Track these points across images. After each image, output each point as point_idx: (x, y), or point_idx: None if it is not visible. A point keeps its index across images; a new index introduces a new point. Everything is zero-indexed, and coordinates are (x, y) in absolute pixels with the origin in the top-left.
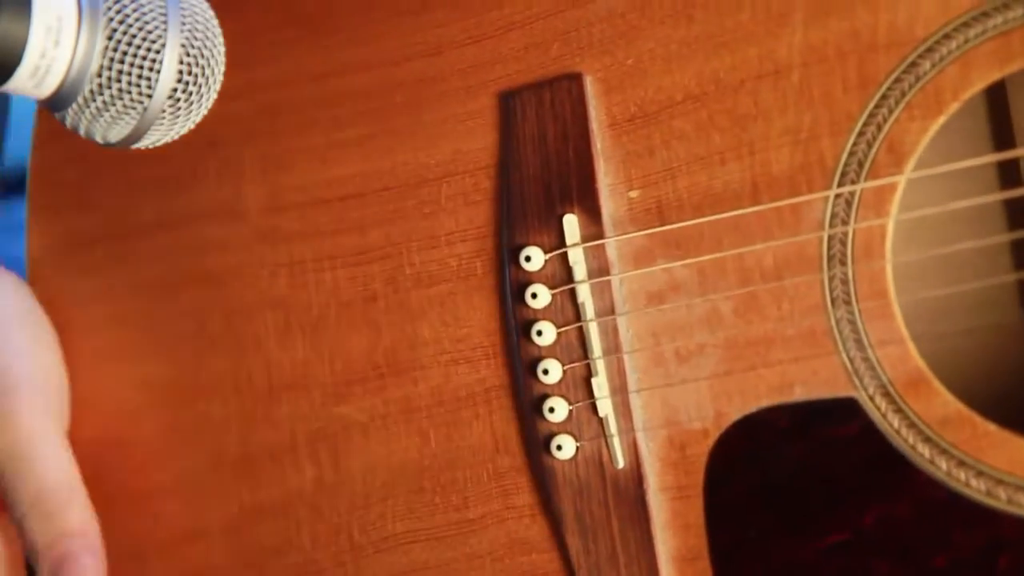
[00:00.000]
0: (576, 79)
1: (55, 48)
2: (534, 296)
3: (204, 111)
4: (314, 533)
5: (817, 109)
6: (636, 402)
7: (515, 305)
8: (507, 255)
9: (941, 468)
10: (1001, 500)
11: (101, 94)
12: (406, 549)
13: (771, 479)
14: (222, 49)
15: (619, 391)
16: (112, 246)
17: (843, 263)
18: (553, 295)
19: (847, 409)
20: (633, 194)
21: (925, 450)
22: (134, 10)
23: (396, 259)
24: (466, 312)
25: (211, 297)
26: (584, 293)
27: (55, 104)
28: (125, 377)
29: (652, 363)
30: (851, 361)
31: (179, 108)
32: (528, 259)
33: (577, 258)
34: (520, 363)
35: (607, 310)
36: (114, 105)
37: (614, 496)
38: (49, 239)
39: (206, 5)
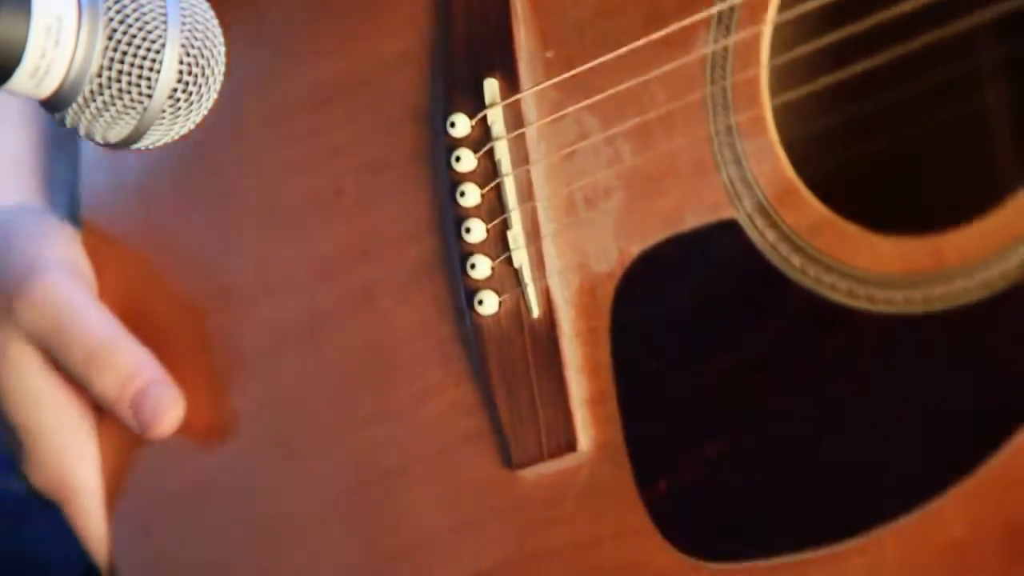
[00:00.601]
0: None
1: (55, 48)
2: (458, 159)
3: (204, 111)
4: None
5: None
6: (549, 250)
7: (445, 171)
8: (439, 125)
9: (810, 275)
10: (860, 298)
11: (101, 94)
12: (367, 430)
13: (668, 312)
14: (222, 49)
15: (532, 240)
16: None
17: (723, 77)
18: (477, 158)
19: (729, 231)
20: (549, 54)
21: (796, 260)
22: (134, 10)
23: (330, 160)
24: (415, 192)
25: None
26: (501, 150)
27: (55, 104)
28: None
29: (564, 211)
30: (731, 182)
31: (179, 108)
32: (452, 125)
33: (496, 118)
34: (449, 228)
35: (522, 162)
36: (114, 105)
37: (532, 346)
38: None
39: (206, 5)
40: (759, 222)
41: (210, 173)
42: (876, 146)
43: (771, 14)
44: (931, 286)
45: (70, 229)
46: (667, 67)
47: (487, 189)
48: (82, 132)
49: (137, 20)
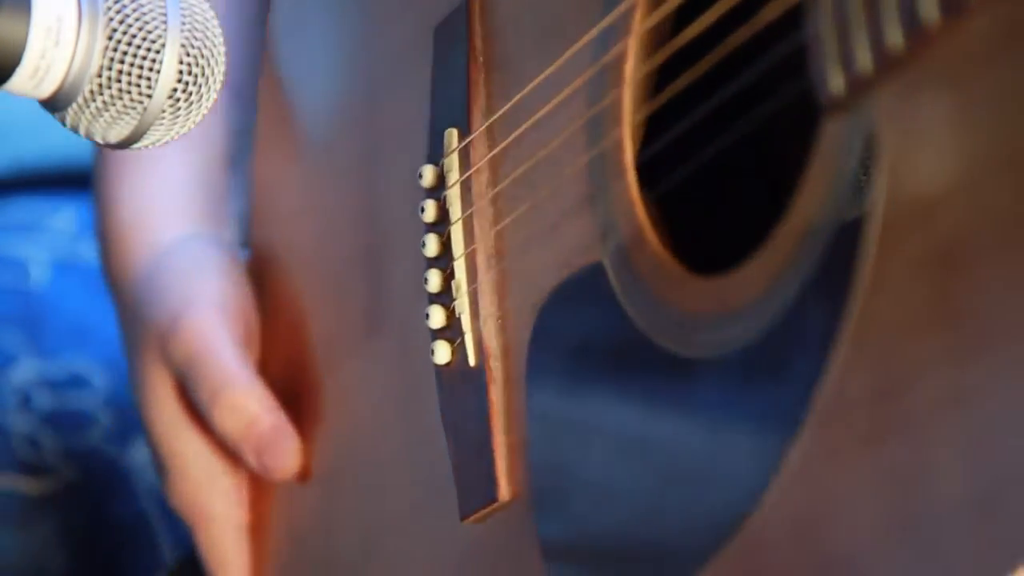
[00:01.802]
0: None
1: (55, 48)
2: (422, 210)
3: (204, 111)
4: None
5: None
6: (484, 297)
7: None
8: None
9: (647, 320)
10: (687, 345)
11: (101, 94)
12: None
13: (561, 363)
14: (222, 49)
15: (470, 287)
16: None
17: (599, 99)
18: (437, 207)
19: (598, 275)
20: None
21: (640, 303)
22: (134, 10)
23: None
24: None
25: None
26: (452, 197)
27: (54, 104)
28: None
29: (495, 257)
30: (601, 223)
31: (179, 108)
32: (420, 176)
33: (452, 166)
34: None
35: (467, 208)
36: (114, 105)
37: (473, 394)
38: None
39: (206, 5)
40: (618, 265)
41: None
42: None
43: (637, 27)
44: (718, 329)
45: (229, 258)
46: (550, 104)
47: (445, 239)
48: (82, 132)
49: (137, 20)
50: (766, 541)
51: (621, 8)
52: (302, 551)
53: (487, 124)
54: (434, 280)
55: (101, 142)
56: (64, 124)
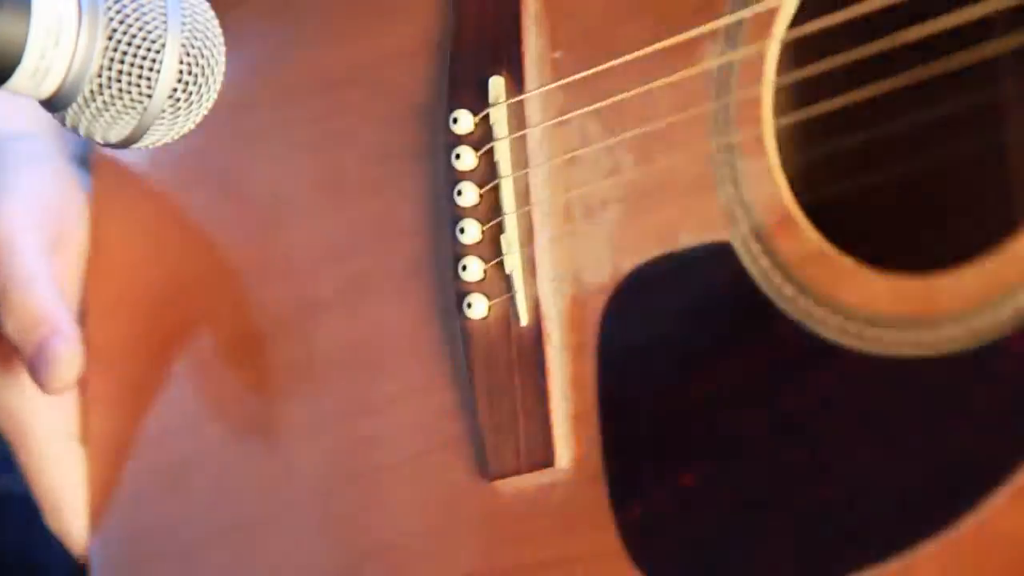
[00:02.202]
0: None
1: (55, 48)
2: (458, 157)
3: (205, 111)
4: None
5: None
6: (542, 258)
7: (445, 167)
8: (441, 120)
9: (800, 307)
10: (850, 335)
11: (101, 94)
12: (348, 426)
13: (654, 333)
14: (222, 49)
15: (526, 246)
16: None
17: (727, 93)
18: (478, 157)
19: (722, 254)
20: (557, 55)
21: (788, 290)
22: (134, 10)
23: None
24: (414, 186)
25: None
26: (502, 151)
27: (55, 104)
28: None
29: (560, 218)
30: (728, 203)
31: (179, 108)
32: (455, 121)
33: (499, 117)
34: (445, 226)
35: (521, 165)
36: (114, 105)
37: (518, 355)
38: None
39: (207, 5)
40: (753, 247)
41: (218, 149)
42: (883, 175)
43: (779, 30)
44: (920, 330)
45: (62, 166)
46: (671, 78)
47: (485, 190)
48: (82, 132)
49: (137, 20)
50: (983, 543)
51: (758, 7)
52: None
53: (561, 82)
54: (472, 231)
55: (101, 142)
56: (64, 124)
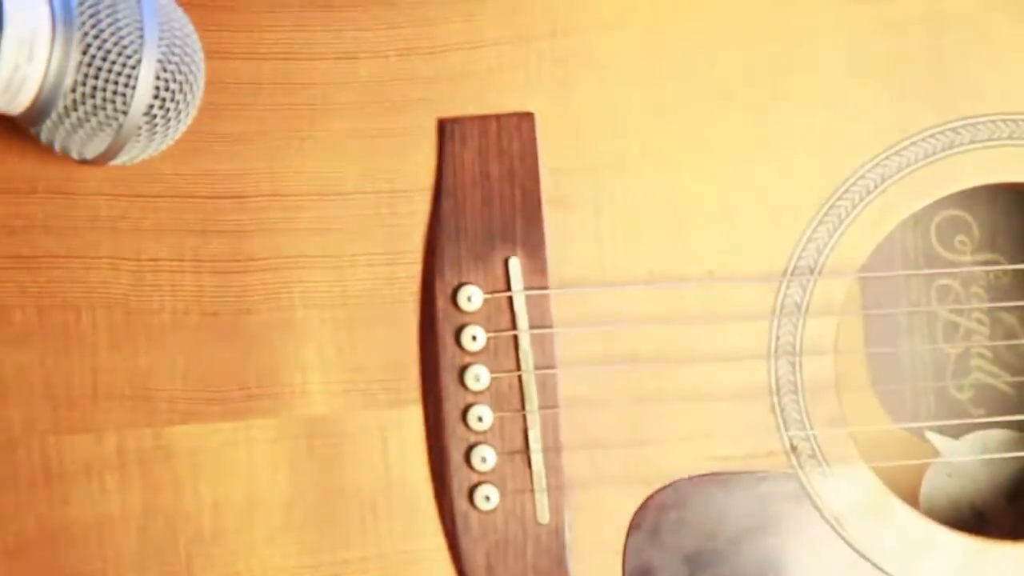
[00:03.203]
0: (527, 118)
1: (28, 63)
2: (474, 339)
3: (183, 127)
4: (135, 562)
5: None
6: (567, 459)
7: (451, 345)
8: (440, 290)
9: None
10: None
11: (75, 109)
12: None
13: (691, 542)
14: (202, 65)
15: (552, 447)
16: None
17: (792, 353)
18: (489, 339)
19: (780, 480)
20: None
21: None
22: (109, 24)
23: (282, 273)
24: (366, 342)
25: (25, 283)
26: (526, 342)
27: (30, 119)
28: None
29: (587, 422)
30: (790, 440)
31: (156, 125)
32: (469, 299)
33: (521, 305)
34: (451, 405)
35: (548, 363)
36: (88, 121)
37: (534, 551)
38: None
39: (186, 20)
40: (816, 482)
41: None
42: None
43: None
44: None
45: None
46: (723, 325)
47: (500, 376)
48: (58, 147)
49: (113, 35)
50: None
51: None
52: None
53: (596, 288)
54: (486, 416)
55: (77, 158)
56: (40, 138)
